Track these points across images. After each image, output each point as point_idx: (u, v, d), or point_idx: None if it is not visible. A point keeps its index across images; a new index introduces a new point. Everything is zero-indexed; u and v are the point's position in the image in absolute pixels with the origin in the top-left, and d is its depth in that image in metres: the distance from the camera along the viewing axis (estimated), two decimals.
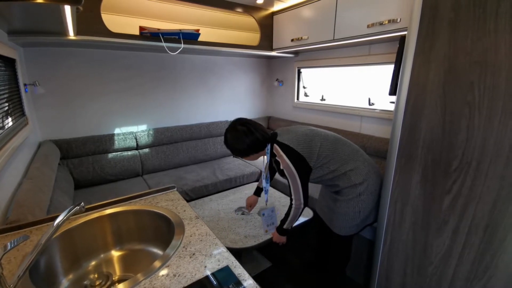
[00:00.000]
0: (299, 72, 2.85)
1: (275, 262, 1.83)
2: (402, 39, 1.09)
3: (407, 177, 1.11)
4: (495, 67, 0.84)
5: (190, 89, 2.67)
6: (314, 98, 2.80)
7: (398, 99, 1.10)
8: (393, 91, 1.18)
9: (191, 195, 2.07)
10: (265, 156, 1.30)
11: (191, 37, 2.07)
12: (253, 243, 1.40)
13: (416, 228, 1.11)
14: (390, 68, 1.59)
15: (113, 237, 0.94)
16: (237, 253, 1.41)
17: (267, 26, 2.54)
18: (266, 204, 1.56)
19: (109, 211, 0.95)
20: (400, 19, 1.49)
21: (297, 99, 2.93)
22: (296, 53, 2.72)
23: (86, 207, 0.97)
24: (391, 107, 1.99)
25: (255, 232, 1.50)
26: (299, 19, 2.24)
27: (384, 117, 2.05)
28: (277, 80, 3.09)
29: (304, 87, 2.88)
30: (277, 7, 2.45)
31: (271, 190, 2.08)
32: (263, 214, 1.48)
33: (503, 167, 0.85)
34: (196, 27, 2.18)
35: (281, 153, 1.21)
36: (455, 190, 0.96)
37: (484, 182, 0.89)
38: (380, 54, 1.98)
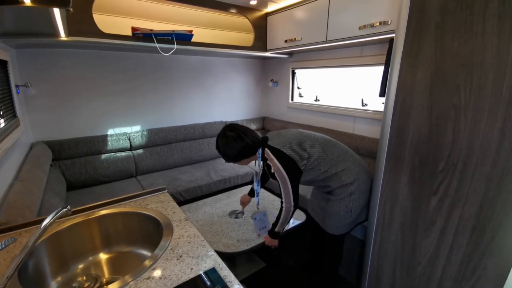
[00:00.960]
0: (293, 73, 2.86)
1: (269, 263, 1.84)
2: (392, 41, 1.10)
3: (396, 178, 1.12)
4: (482, 69, 0.85)
5: (185, 90, 2.67)
6: (308, 99, 2.81)
7: (386, 101, 1.11)
8: (382, 92, 1.19)
9: (185, 196, 2.07)
10: (257, 161, 1.31)
11: (184, 38, 2.07)
12: (246, 247, 1.40)
13: (405, 228, 1.13)
14: (382, 69, 1.60)
15: (101, 240, 0.94)
16: (230, 256, 1.42)
17: (261, 27, 2.55)
18: (258, 207, 1.57)
19: (97, 213, 0.95)
20: (391, 21, 1.51)
21: (292, 99, 2.94)
22: (290, 53, 2.72)
23: (74, 209, 0.97)
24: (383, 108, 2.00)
25: (248, 236, 1.50)
26: (293, 20, 2.24)
27: (376, 117, 2.07)
28: (271, 80, 3.09)
29: (298, 88, 2.89)
30: (270, 8, 2.46)
31: (266, 193, 2.09)
32: (255, 218, 1.48)
33: (490, 169, 0.86)
34: (189, 28, 2.18)
35: (272, 156, 1.22)
36: (441, 191, 0.97)
37: (471, 183, 0.90)
38: (372, 55, 1.99)
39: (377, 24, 1.58)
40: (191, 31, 2.08)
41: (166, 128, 2.53)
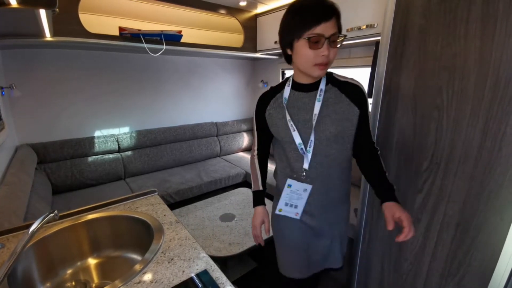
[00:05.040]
0: (283, 74, 2.88)
1: (261, 263, 1.85)
2: (378, 43, 1.13)
3: None
4: (464, 72, 0.87)
5: (174, 91, 2.65)
6: None
7: (373, 102, 1.14)
8: (369, 94, 1.22)
9: (175, 198, 2.05)
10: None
11: (173, 38, 2.05)
12: (238, 251, 1.41)
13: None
14: (369, 71, 1.64)
15: (89, 244, 0.92)
16: (222, 260, 1.42)
17: (250, 28, 2.56)
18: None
19: (84, 218, 0.93)
20: (377, 24, 1.54)
21: None
22: (280, 55, 2.74)
23: (61, 214, 0.95)
24: (370, 109, 2.05)
25: (240, 239, 1.50)
26: None
27: None
28: (261, 81, 3.11)
29: None
30: (260, 9, 2.47)
31: (249, 193, 2.09)
32: (290, 185, 0.91)
33: (472, 168, 0.89)
34: (178, 28, 2.16)
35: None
36: (426, 189, 1.00)
37: (454, 181, 0.94)
38: (360, 57, 2.03)
39: (364, 27, 1.61)
40: (180, 31, 2.07)
41: (155, 130, 2.50)
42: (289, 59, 0.86)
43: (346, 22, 1.74)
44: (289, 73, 2.86)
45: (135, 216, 0.94)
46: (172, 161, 2.54)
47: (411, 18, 0.97)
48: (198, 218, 1.72)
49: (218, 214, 1.77)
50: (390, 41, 1.04)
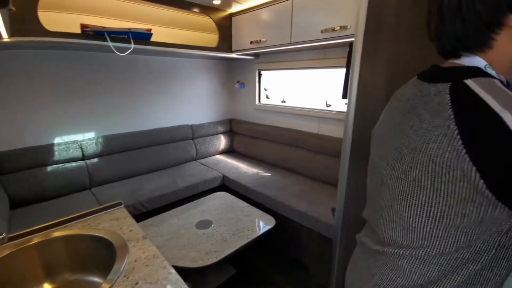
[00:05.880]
0: (259, 74, 2.85)
1: (240, 269, 1.79)
2: (351, 45, 1.12)
3: (359, 177, 1.15)
4: None
5: (146, 92, 2.51)
6: (275, 100, 2.83)
7: (348, 103, 1.13)
8: (345, 94, 1.22)
9: (147, 206, 1.93)
10: None
11: (142, 37, 1.93)
12: (215, 260, 1.34)
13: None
14: (344, 71, 1.65)
15: (44, 268, 0.82)
16: (199, 270, 1.34)
17: (225, 28, 2.49)
18: None
19: (37, 239, 0.82)
20: (350, 25, 1.55)
21: (259, 101, 2.93)
22: (256, 55, 2.71)
23: (11, 235, 0.83)
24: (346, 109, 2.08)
25: (218, 247, 1.43)
26: (258, 22, 2.23)
27: (340, 118, 2.13)
28: (238, 82, 3.05)
29: (265, 89, 2.89)
30: (235, 8, 2.41)
31: (227, 197, 2.03)
32: None
33: None
34: (148, 26, 2.05)
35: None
36: None
37: None
38: (335, 58, 2.05)
39: (338, 28, 1.62)
40: (150, 30, 1.96)
41: (125, 134, 2.35)
42: (488, 37, 0.41)
43: (321, 23, 1.75)
44: (265, 73, 2.83)
45: (95, 234, 0.85)
46: (145, 167, 2.40)
47: (383, 20, 0.97)
48: (173, 227, 1.63)
49: (194, 221, 1.69)
50: (363, 43, 1.03)
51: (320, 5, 1.73)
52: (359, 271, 0.60)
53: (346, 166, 1.19)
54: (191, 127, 2.82)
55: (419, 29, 0.89)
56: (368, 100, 1.06)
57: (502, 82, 0.38)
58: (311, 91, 2.47)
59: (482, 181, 0.34)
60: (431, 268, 0.43)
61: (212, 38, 2.58)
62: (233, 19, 2.47)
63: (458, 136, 0.35)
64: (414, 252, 0.44)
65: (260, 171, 2.45)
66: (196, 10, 2.25)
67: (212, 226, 1.64)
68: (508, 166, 0.32)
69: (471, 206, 0.37)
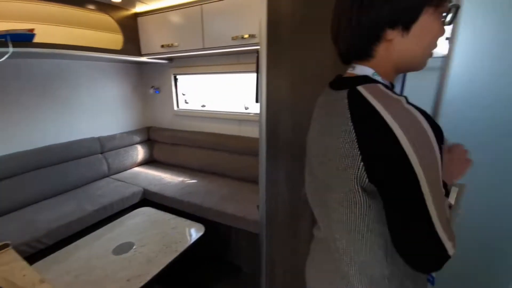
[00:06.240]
0: (175, 79, 2.74)
1: (167, 285, 1.70)
2: (258, 52, 1.21)
3: (276, 175, 1.26)
4: (327, 79, 1.04)
5: (32, 104, 2.05)
6: (194, 105, 2.78)
7: (260, 107, 1.22)
8: (256, 99, 1.31)
9: (46, 242, 1.59)
10: None
11: (23, 38, 1.59)
12: (139, 285, 1.21)
13: (288, 217, 1.29)
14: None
15: None
16: None
17: (130, 28, 2.29)
18: None
19: None
20: (257, 34, 1.67)
21: (177, 106, 2.82)
22: (170, 59, 2.59)
23: None
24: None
25: (141, 270, 1.30)
26: (168, 25, 2.14)
27: (257, 120, 2.26)
28: (152, 87, 2.85)
29: (183, 94, 2.80)
30: (140, 8, 2.25)
31: (150, 212, 1.90)
32: None
33: None
34: (31, 26, 1.69)
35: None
36: None
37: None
38: (248, 63, 2.17)
39: (247, 36, 1.72)
40: (32, 30, 1.62)
41: (6, 157, 1.87)
42: (370, 48, 0.50)
43: (231, 30, 1.81)
44: (181, 78, 2.75)
45: None
46: (40, 193, 1.97)
47: (281, 32, 1.09)
48: (82, 260, 1.39)
49: (111, 248, 1.49)
50: (267, 51, 1.13)
51: (229, 13, 1.80)
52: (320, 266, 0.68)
53: (263, 164, 1.28)
54: (99, 139, 2.48)
55: (311, 41, 1.05)
56: (276, 105, 1.16)
57: (386, 86, 0.46)
58: (230, 95, 2.54)
59: (362, 163, 0.43)
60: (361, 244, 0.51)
61: (115, 39, 2.33)
62: (139, 19, 2.30)
63: (353, 130, 0.44)
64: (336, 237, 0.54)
65: (185, 179, 2.37)
66: (91, 7, 1.99)
67: (134, 248, 1.49)
68: (377, 150, 0.42)
69: (357, 194, 0.46)
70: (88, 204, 1.94)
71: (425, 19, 0.45)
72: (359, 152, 0.43)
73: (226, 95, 2.57)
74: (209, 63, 2.40)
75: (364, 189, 0.45)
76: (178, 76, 2.73)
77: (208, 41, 1.93)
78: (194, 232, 1.68)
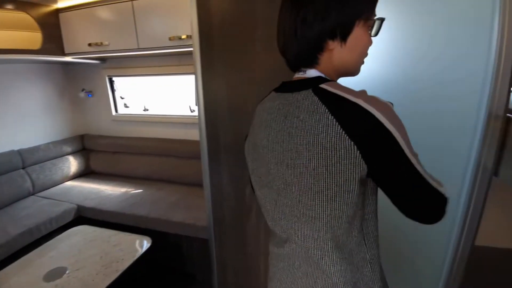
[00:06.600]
0: (111, 81, 2.51)
1: None
2: None
3: (220, 178, 1.25)
4: (261, 80, 1.06)
5: None
6: (136, 109, 2.59)
7: (198, 111, 1.20)
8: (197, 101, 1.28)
9: None
10: None
11: None
12: None
13: (233, 218, 1.29)
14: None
15: None
16: None
17: (51, 26, 2.02)
18: None
19: None
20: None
21: (116, 111, 2.59)
22: (103, 59, 2.36)
23: None
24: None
25: None
26: (96, 21, 1.94)
27: None
28: (83, 90, 2.56)
29: (122, 98, 2.59)
30: (62, 3, 1.99)
31: (87, 230, 1.71)
32: None
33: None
34: None
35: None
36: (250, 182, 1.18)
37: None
38: (190, 65, 2.09)
39: (185, 37, 1.66)
40: None
41: None
42: (315, 56, 0.55)
43: (168, 30, 1.73)
44: (118, 80, 2.53)
45: None
46: None
47: (214, 36, 1.08)
48: None
49: (41, 274, 1.31)
50: (200, 54, 1.11)
51: (163, 12, 1.71)
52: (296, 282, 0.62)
53: (206, 168, 1.26)
54: (19, 152, 2.14)
55: (243, 46, 1.05)
56: (213, 108, 1.15)
57: None
58: (175, 97, 2.43)
59: (358, 151, 0.45)
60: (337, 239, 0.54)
61: (32, 38, 2.03)
62: (61, 15, 2.04)
63: (337, 123, 0.46)
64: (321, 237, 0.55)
65: (129, 189, 2.20)
66: (9, 7, 1.70)
67: (67, 272, 1.33)
68: (363, 132, 0.45)
69: (353, 182, 0.48)
70: (11, 227, 1.67)
71: (358, 31, 0.52)
72: (352, 142, 0.45)
73: (171, 98, 2.46)
74: (148, 64, 2.26)
75: (360, 177, 0.48)
76: (114, 78, 2.51)
77: (143, 41, 1.82)
78: (140, 246, 1.57)
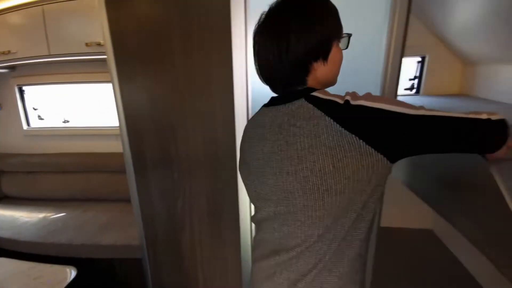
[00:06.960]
0: (21, 91, 2.18)
1: None
2: None
3: (149, 193, 1.20)
4: (184, 93, 1.04)
5: None
6: (53, 121, 2.29)
7: (119, 124, 1.12)
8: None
9: None
10: None
11: None
12: None
13: (168, 233, 1.24)
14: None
15: None
16: None
17: None
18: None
19: None
20: None
21: (28, 125, 2.25)
22: (11, 67, 2.04)
23: None
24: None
25: None
26: (5, 29, 1.71)
27: None
28: None
29: (34, 109, 2.26)
30: None
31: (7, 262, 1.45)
32: None
33: (209, 171, 1.10)
34: None
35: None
36: (182, 193, 1.15)
37: (200, 182, 1.13)
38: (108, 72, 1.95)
39: (103, 43, 1.53)
40: None
41: None
42: (304, 79, 0.60)
43: (85, 36, 1.58)
44: (28, 89, 2.20)
45: None
46: None
47: (129, 49, 1.03)
48: None
49: None
50: (116, 62, 1.04)
51: (77, 16, 1.56)
52: None
53: (133, 185, 1.19)
54: None
55: (162, 58, 1.02)
56: (137, 121, 1.10)
57: None
58: (102, 107, 2.22)
59: (361, 140, 0.49)
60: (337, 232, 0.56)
61: None
62: None
63: (335, 123, 0.50)
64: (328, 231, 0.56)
65: (49, 214, 1.92)
66: None
67: None
68: (365, 122, 0.49)
69: (362, 170, 0.50)
70: None
71: (334, 49, 0.59)
72: (353, 135, 0.49)
73: (98, 108, 2.24)
74: (65, 71, 2.03)
75: (367, 163, 0.50)
76: (24, 88, 2.18)
77: (55, 47, 1.63)
78: (64, 278, 1.38)
